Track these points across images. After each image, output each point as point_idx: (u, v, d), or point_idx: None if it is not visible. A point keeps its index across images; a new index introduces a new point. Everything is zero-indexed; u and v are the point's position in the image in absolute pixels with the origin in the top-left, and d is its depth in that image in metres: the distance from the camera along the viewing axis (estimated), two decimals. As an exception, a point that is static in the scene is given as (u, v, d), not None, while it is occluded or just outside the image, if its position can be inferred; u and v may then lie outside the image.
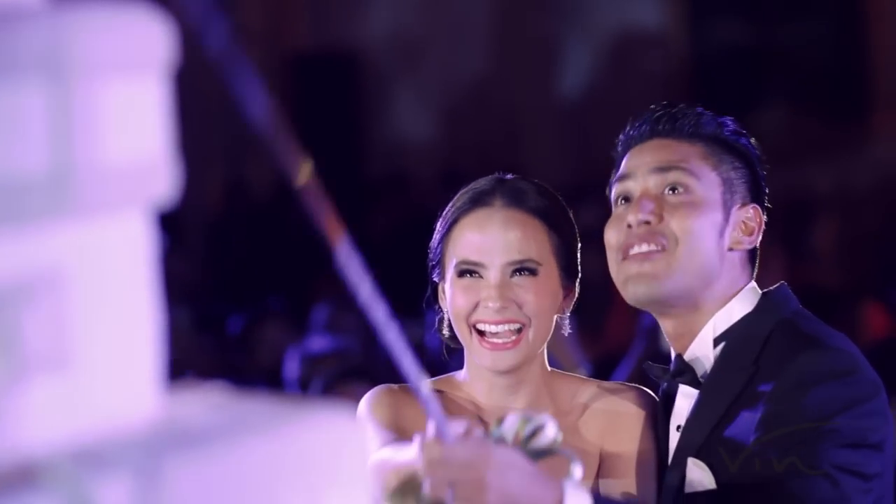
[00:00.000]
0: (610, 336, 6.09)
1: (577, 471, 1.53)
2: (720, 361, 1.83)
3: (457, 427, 1.45)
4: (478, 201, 1.99)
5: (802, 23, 10.33)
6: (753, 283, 1.94)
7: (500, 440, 1.50)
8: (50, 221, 0.63)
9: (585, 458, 1.66)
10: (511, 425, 1.52)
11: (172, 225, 7.40)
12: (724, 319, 1.86)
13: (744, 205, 1.91)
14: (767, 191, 2.00)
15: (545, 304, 1.93)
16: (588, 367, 4.33)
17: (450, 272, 1.96)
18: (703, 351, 1.86)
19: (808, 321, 1.90)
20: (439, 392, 1.91)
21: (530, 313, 1.90)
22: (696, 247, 1.85)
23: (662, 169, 1.89)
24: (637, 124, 1.97)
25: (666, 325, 1.94)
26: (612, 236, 1.91)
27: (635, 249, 1.86)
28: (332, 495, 0.73)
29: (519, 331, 1.90)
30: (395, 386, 1.98)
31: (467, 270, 1.93)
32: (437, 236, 2.01)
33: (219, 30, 0.80)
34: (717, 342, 1.86)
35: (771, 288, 1.94)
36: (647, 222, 1.85)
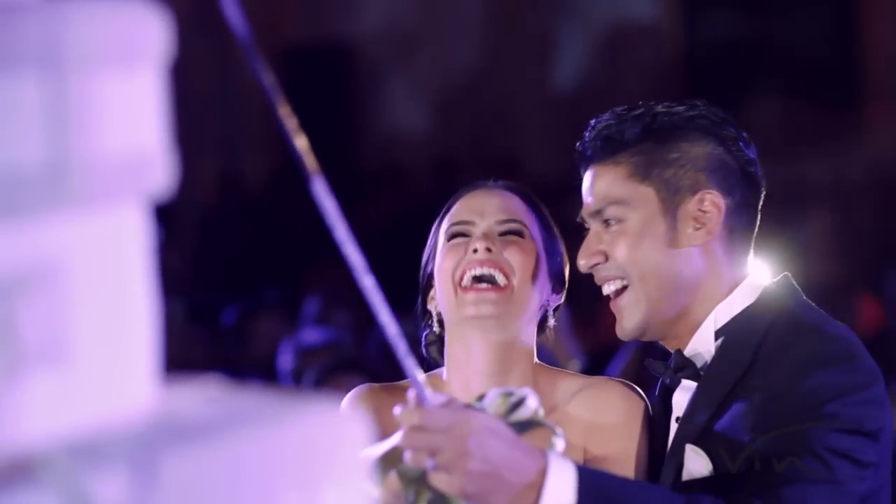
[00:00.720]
0: (605, 328, 6.09)
1: (560, 442, 1.52)
2: (720, 351, 1.81)
3: (438, 397, 1.44)
4: (469, 187, 2.04)
5: (796, 15, 10.34)
6: (755, 275, 1.90)
7: (482, 412, 1.48)
8: (46, 214, 0.63)
9: (568, 455, 1.65)
10: (492, 399, 1.50)
11: (167, 217, 7.38)
12: (725, 313, 1.84)
13: (693, 194, 1.84)
14: (741, 151, 1.89)
15: (529, 265, 1.93)
16: (583, 360, 4.34)
17: (441, 246, 1.98)
18: (704, 346, 1.84)
19: (810, 311, 1.88)
20: None
21: (515, 268, 1.91)
22: (648, 272, 1.83)
23: (597, 212, 1.87)
24: (575, 154, 1.95)
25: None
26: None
27: (604, 289, 1.89)
28: (328, 488, 0.73)
29: (502, 287, 1.90)
30: (376, 385, 2.00)
31: (457, 233, 1.96)
32: (430, 240, 2.04)
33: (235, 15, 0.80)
34: (717, 336, 1.84)
35: (774, 279, 1.91)
36: (596, 264, 1.86)
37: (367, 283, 1.20)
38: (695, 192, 1.84)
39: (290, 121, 0.96)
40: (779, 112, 9.74)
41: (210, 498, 0.64)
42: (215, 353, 5.78)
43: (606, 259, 1.85)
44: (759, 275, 1.91)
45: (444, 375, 2.00)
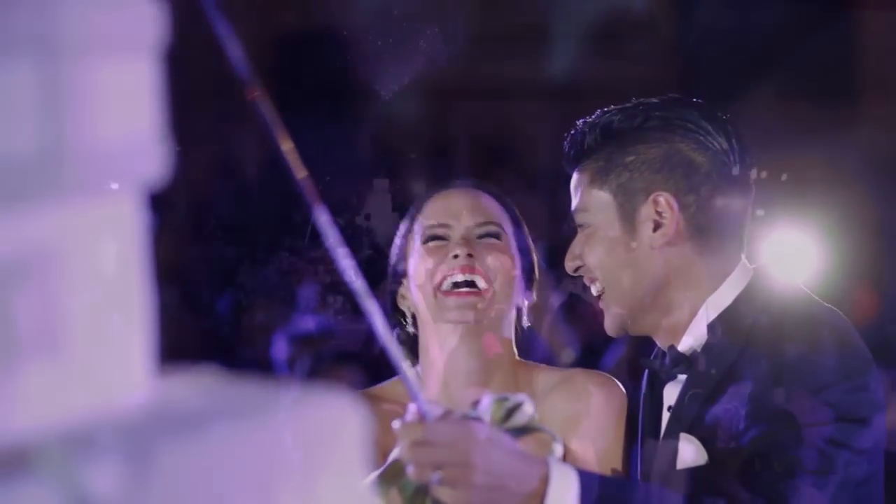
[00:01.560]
0: (600, 319, 6.10)
1: (559, 448, 1.52)
2: (710, 341, 1.83)
3: (436, 409, 1.44)
4: (440, 187, 2.04)
5: (792, 6, 10.33)
6: (744, 261, 1.91)
7: (478, 421, 1.48)
8: (40, 202, 0.62)
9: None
10: (486, 406, 1.50)
11: (160, 205, 7.36)
12: (716, 305, 1.85)
13: (647, 196, 1.85)
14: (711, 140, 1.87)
15: (508, 268, 1.95)
16: (577, 350, 4.35)
17: (415, 246, 1.98)
18: (698, 341, 1.85)
19: (801, 297, 1.89)
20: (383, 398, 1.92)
21: (495, 272, 1.92)
22: (614, 276, 1.87)
23: (573, 218, 1.92)
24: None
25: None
26: None
27: (592, 290, 1.94)
28: (326, 479, 0.72)
29: (483, 290, 1.91)
30: (363, 392, 2.01)
31: (433, 236, 1.96)
32: (398, 239, 2.04)
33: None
34: (710, 329, 1.84)
35: (764, 266, 1.92)
36: (578, 267, 1.91)
37: (359, 286, 1.20)
38: (649, 195, 1.85)
39: (291, 155, 0.97)
40: (775, 104, 9.74)
41: (204, 489, 0.64)
42: (210, 343, 5.78)
43: (583, 263, 1.90)
44: (750, 264, 1.92)
45: (419, 373, 2.00)
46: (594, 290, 1.90)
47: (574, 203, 1.90)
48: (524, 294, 2.03)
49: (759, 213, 2.08)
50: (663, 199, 1.84)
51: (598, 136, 1.88)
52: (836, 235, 6.02)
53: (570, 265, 1.90)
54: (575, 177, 1.92)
